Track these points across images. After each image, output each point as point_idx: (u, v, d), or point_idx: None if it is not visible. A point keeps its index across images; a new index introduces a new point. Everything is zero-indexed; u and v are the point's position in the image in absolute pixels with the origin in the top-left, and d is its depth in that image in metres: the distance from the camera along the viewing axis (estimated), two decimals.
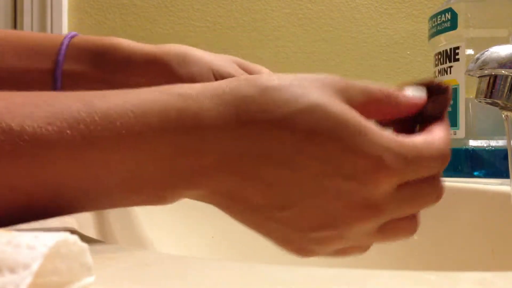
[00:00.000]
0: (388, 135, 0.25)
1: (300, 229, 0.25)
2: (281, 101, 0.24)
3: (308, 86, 0.24)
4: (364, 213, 0.25)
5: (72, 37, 0.40)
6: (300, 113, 0.23)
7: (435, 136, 0.27)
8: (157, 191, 0.24)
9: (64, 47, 0.39)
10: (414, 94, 0.29)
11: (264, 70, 0.45)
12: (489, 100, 0.39)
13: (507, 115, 0.40)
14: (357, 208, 0.25)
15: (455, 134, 0.71)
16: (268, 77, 0.25)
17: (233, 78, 0.26)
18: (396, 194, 0.25)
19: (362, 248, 0.29)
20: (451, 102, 0.30)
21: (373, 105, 0.26)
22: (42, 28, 0.84)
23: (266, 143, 0.23)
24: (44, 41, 0.40)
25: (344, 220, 0.25)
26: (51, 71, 0.39)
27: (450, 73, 0.72)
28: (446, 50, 0.72)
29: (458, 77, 0.71)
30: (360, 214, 0.25)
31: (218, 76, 0.40)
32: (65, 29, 0.86)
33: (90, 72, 0.39)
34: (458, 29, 0.70)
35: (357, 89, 0.26)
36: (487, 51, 0.38)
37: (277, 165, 0.24)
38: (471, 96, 0.69)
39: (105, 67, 0.39)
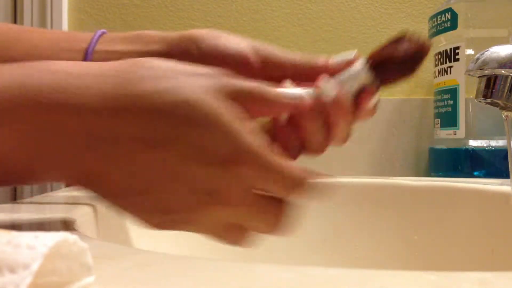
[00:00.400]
0: (250, 135, 0.26)
1: (156, 212, 0.26)
2: (162, 90, 0.24)
3: (191, 79, 0.25)
4: (212, 201, 0.26)
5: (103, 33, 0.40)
6: (176, 103, 0.24)
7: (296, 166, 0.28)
8: (19, 170, 0.24)
9: (96, 36, 0.38)
10: (291, 94, 0.30)
11: None
12: (489, 100, 0.39)
13: (507, 115, 0.40)
14: (207, 196, 0.25)
15: (455, 134, 0.71)
16: (155, 64, 0.25)
17: (124, 59, 0.26)
18: (248, 197, 0.26)
19: (216, 234, 0.30)
20: (424, 58, 0.33)
21: (253, 104, 0.27)
22: (42, 28, 0.84)
23: (137, 128, 0.24)
24: (75, 35, 0.39)
25: (195, 206, 0.26)
26: (83, 50, 0.38)
27: (450, 73, 0.72)
28: (446, 50, 0.72)
29: (458, 77, 0.71)
30: (208, 202, 0.26)
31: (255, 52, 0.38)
32: (65, 29, 0.86)
33: (122, 50, 0.38)
34: (458, 29, 0.70)
35: (238, 87, 0.27)
36: (487, 51, 0.38)
37: (143, 149, 0.24)
38: (471, 96, 0.69)
39: (138, 43, 0.38)
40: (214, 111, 0.25)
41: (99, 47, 0.37)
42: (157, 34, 0.38)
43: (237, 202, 0.26)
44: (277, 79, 0.35)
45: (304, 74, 0.34)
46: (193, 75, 0.26)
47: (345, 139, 0.33)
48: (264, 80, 0.33)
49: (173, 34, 0.38)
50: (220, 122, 0.25)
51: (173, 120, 0.24)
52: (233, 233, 0.29)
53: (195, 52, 0.36)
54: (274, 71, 0.35)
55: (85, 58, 0.37)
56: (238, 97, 0.27)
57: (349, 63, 0.33)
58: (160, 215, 0.26)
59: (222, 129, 0.25)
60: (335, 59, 0.34)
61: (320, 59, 0.34)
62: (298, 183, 0.27)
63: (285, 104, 0.29)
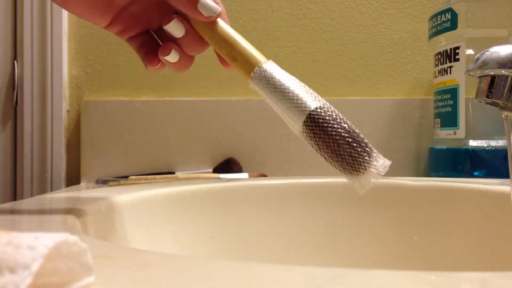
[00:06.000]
0: None
1: None
2: None
3: None
4: None
5: None
6: None
7: None
8: None
9: None
10: None
11: None
12: (489, 100, 0.39)
13: (507, 115, 0.40)
14: None
15: (455, 134, 0.71)
16: None
17: None
18: None
19: None
20: None
21: None
22: (42, 28, 0.84)
23: None
24: None
25: None
26: None
27: (450, 73, 0.72)
28: (446, 50, 0.72)
29: (458, 77, 0.71)
30: None
31: None
32: (65, 29, 0.86)
33: None
34: (458, 29, 0.70)
35: None
36: (487, 51, 0.38)
37: None
38: (471, 96, 0.69)
39: None
40: None
41: None
42: None
43: None
44: None
45: None
46: None
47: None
48: None
49: None
50: None
51: None
52: None
53: None
54: None
55: None
56: None
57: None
58: None
59: None
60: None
61: None
62: None
63: None
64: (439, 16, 0.73)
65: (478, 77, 0.39)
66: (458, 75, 0.71)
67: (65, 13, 0.87)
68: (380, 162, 0.31)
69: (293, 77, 0.34)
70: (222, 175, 0.73)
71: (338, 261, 0.53)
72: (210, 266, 0.20)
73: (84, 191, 0.51)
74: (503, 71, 0.37)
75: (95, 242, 0.25)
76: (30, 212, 0.36)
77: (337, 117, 0.31)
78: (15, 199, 0.83)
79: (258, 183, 0.56)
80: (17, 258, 0.13)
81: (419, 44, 0.89)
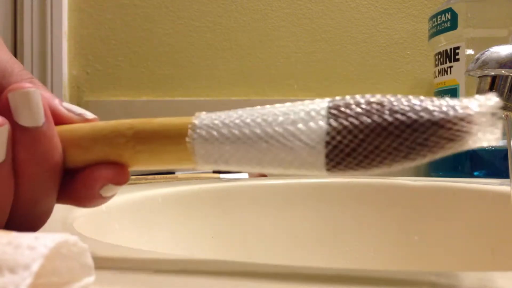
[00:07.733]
0: None
1: None
2: None
3: None
4: None
5: None
6: None
7: None
8: None
9: None
10: None
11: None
12: None
13: (507, 115, 0.40)
14: None
15: None
16: None
17: None
18: None
19: None
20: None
21: None
22: (42, 28, 0.84)
23: None
24: None
25: None
26: None
27: (450, 73, 0.72)
28: (446, 50, 0.72)
29: (458, 77, 0.71)
30: None
31: None
32: (65, 29, 0.86)
33: None
34: (458, 29, 0.70)
35: None
36: (487, 51, 0.38)
37: None
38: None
39: None
40: None
41: None
42: None
43: None
44: None
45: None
46: None
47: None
48: None
49: None
50: None
51: None
52: None
53: None
54: None
55: None
56: None
57: (84, 119, 0.24)
58: None
59: None
60: (69, 107, 0.24)
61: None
62: None
63: None
64: (439, 16, 0.73)
65: (478, 77, 0.39)
66: (458, 75, 0.71)
67: (65, 13, 0.87)
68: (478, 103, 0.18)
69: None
70: (222, 175, 0.73)
71: (339, 261, 0.53)
72: (210, 266, 0.20)
73: None
74: (503, 71, 0.37)
75: (95, 242, 0.25)
76: None
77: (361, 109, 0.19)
78: None
79: (258, 183, 0.56)
80: (17, 258, 0.13)
81: (419, 44, 0.89)
